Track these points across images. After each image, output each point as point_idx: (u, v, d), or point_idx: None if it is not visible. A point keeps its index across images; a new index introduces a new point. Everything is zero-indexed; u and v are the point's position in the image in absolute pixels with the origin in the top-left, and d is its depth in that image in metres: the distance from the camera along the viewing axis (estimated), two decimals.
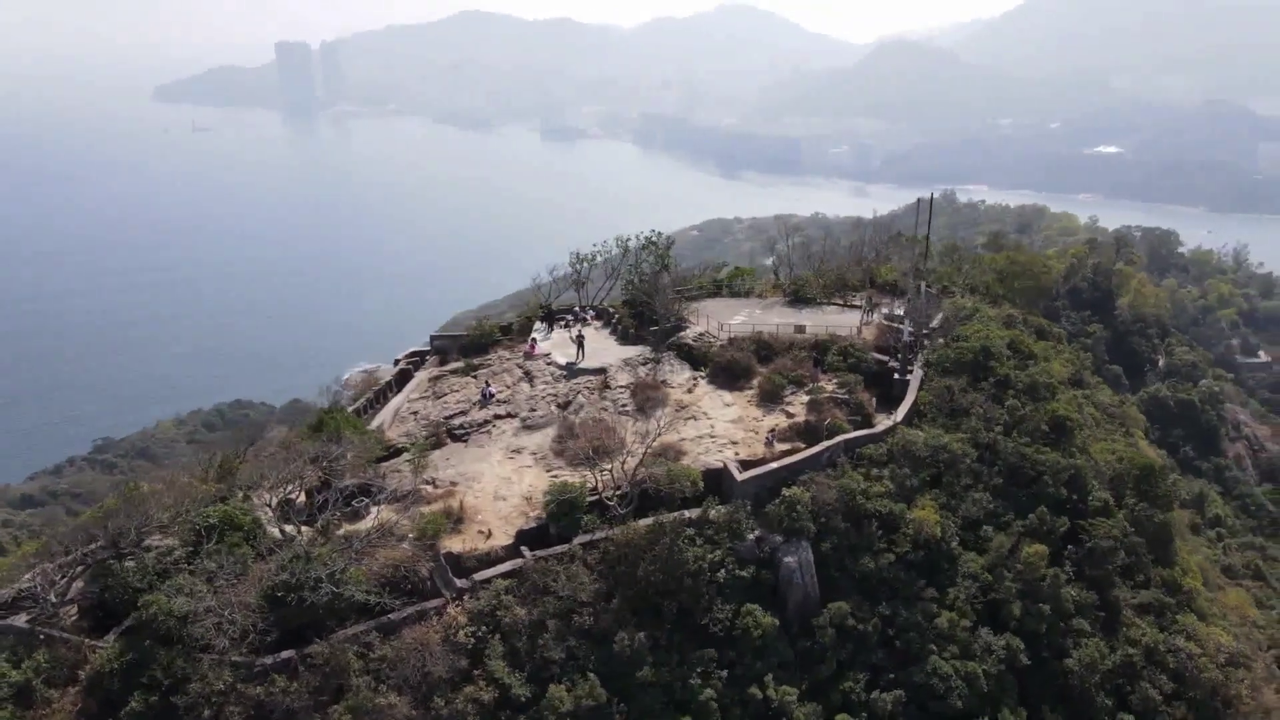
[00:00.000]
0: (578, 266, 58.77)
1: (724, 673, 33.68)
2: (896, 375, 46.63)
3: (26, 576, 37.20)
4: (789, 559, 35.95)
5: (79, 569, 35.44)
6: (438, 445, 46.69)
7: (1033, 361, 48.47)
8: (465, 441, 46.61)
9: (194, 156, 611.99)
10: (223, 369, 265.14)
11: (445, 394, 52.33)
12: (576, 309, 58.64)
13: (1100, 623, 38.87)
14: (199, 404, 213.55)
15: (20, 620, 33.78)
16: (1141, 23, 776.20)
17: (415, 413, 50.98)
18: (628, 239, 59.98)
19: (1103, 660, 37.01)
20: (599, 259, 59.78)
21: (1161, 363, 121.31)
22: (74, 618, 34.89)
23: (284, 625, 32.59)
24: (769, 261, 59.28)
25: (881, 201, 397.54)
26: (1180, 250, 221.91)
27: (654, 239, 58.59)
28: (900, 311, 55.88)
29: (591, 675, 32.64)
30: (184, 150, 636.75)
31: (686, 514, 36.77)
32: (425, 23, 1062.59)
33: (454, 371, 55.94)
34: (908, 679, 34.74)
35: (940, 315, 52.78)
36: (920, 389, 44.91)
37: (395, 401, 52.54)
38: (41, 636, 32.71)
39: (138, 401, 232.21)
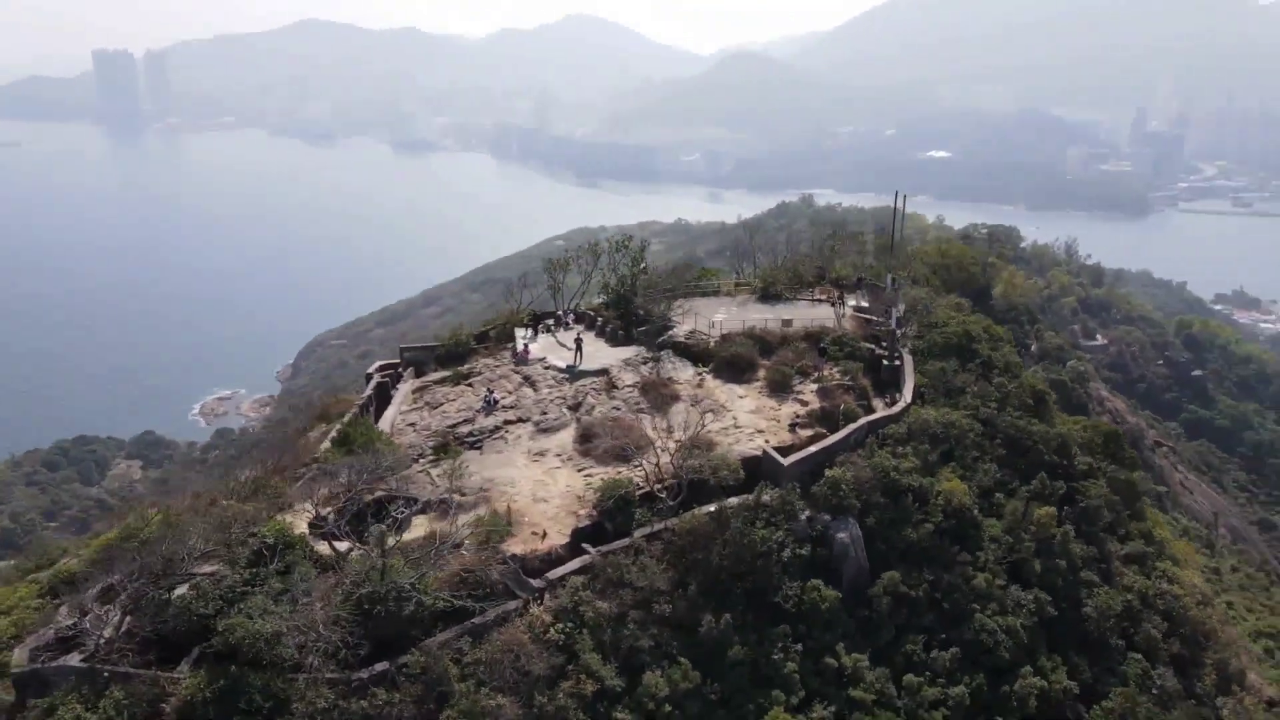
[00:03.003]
0: (553, 273, 59.28)
1: (798, 646, 35.57)
2: (885, 362, 49.89)
3: (60, 613, 34.89)
4: (841, 535, 38.24)
5: (122, 601, 33.43)
6: (447, 454, 46.29)
7: (1003, 343, 53.09)
8: (480, 449, 46.45)
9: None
10: (58, 404, 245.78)
11: (441, 404, 51.80)
12: (559, 313, 59.17)
13: (1100, 574, 43.21)
14: (35, 442, 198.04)
15: (74, 660, 31.66)
16: (961, 37, 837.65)
17: (413, 424, 50.22)
18: (598, 243, 60.95)
19: (1112, 606, 41.28)
20: (571, 265, 60.42)
21: (1034, 347, 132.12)
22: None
23: (368, 638, 32.07)
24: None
25: (737, 206, 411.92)
26: (1022, 245, 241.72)
27: (626, 242, 59.80)
28: (865, 304, 59.66)
29: (683, 660, 33.80)
30: None
31: (738, 500, 38.46)
32: (260, 32, 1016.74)
33: (439, 381, 55.33)
34: (959, 637, 37.68)
35: (903, 305, 56.49)
36: (916, 372, 48.35)
37: (388, 414, 51.45)
38: (106, 674, 30.79)
39: None
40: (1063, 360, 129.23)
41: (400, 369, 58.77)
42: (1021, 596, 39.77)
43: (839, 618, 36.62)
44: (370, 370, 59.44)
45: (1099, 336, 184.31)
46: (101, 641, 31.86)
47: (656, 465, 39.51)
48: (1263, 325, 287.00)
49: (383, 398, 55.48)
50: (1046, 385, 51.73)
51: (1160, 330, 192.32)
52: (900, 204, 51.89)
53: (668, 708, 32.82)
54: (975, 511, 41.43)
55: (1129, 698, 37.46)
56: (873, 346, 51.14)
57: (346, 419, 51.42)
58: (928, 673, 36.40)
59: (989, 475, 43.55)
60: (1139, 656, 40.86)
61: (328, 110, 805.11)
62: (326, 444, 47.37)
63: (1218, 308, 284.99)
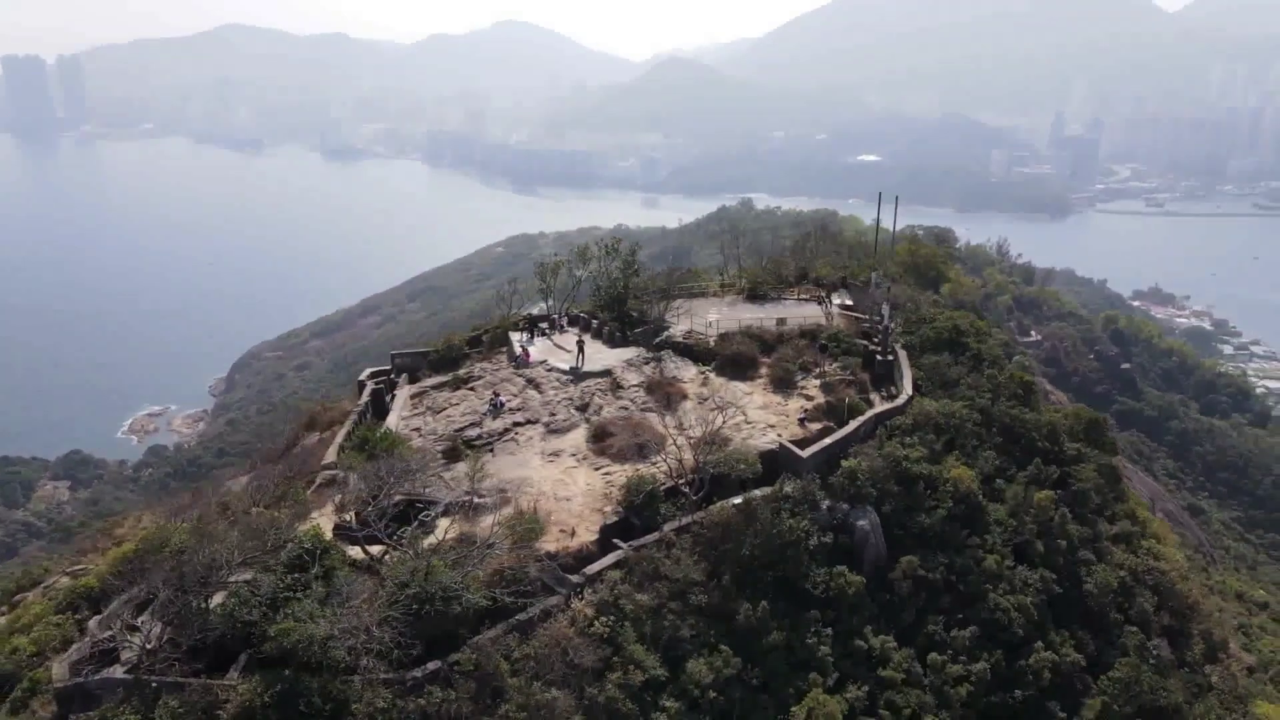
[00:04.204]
0: (545, 277, 59.82)
1: (828, 630, 36.94)
2: (879, 356, 51.73)
3: (91, 627, 34.36)
4: (861, 523, 39.77)
5: (160, 611, 33.04)
6: (457, 457, 46.49)
7: (989, 337, 55.50)
8: (491, 451, 46.72)
9: None
10: None
11: (444, 408, 51.91)
12: (554, 317, 59.66)
13: (1094, 553, 45.56)
14: None
15: (118, 672, 31.23)
16: (885, 41, 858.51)
17: (417, 430, 50.22)
18: (586, 246, 61.72)
19: (1109, 583, 43.65)
20: (562, 269, 61.05)
21: None
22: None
23: (418, 638, 32.33)
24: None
25: (674, 211, 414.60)
26: (957, 245, 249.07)
27: (616, 245, 60.57)
28: (850, 302, 61.66)
29: (724, 647, 34.81)
30: None
31: (762, 492, 39.68)
32: (180, 37, 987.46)
33: (437, 387, 55.38)
34: (976, 616, 39.54)
35: (887, 303, 58.51)
36: (912, 366, 50.28)
37: (390, 420, 51.26)
38: (154, 684, 30.46)
39: None
40: (1008, 356, 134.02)
41: (393, 375, 58.57)
42: (1028, 576, 41.85)
43: (864, 602, 38.16)
44: (362, 377, 59.01)
45: (1033, 333, 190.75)
46: (145, 652, 31.47)
47: (679, 461, 40.39)
48: (1178, 320, 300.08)
49: (376, 404, 55.28)
50: (1033, 376, 54.11)
51: (1088, 326, 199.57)
52: (892, 209, 53.80)
53: (712, 694, 33.83)
54: (980, 497, 43.38)
55: (1134, 668, 39.76)
56: (866, 342, 52.94)
57: (347, 426, 51.19)
58: (950, 651, 38.19)
59: (989, 462, 45.60)
60: (1135, 629, 43.26)
61: (253, 117, 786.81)
62: (333, 450, 47.26)
63: (1136, 304, 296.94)
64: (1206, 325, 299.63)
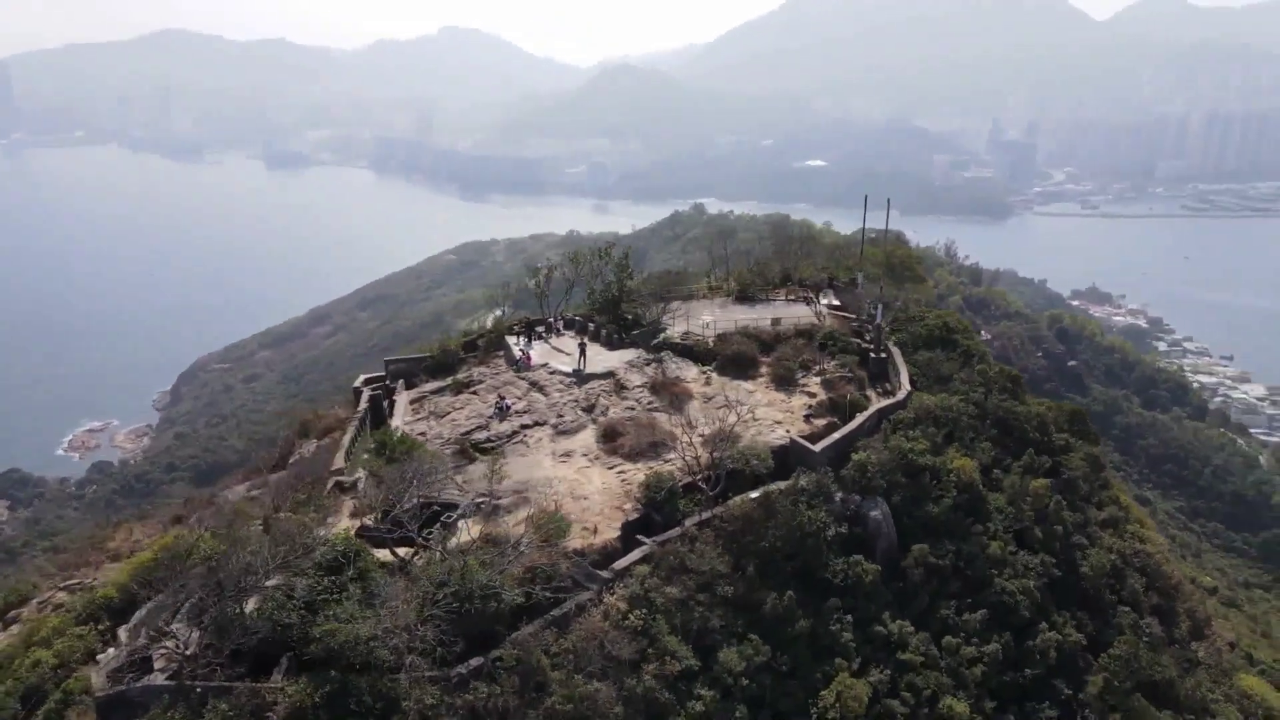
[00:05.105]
0: (540, 281, 60.41)
1: (849, 617, 38.26)
2: (872, 354, 53.39)
3: (121, 634, 34.15)
4: (874, 513, 41.21)
5: (195, 617, 32.98)
6: (469, 460, 46.90)
7: (975, 334, 57.56)
8: (502, 454, 47.15)
9: None
10: None
11: (447, 412, 52.16)
12: (550, 320, 60.20)
13: (1086, 538, 47.66)
14: None
15: (159, 679, 31.14)
16: (830, 46, 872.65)
17: (422, 434, 50.38)
18: (578, 251, 62.52)
19: (1104, 566, 45.74)
20: (555, 273, 61.70)
21: None
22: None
23: (460, 636, 32.80)
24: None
25: (625, 217, 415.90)
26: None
27: (608, 250, 61.40)
28: (837, 302, 63.41)
29: (753, 636, 35.89)
30: None
31: (777, 486, 40.90)
32: (115, 42, 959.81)
33: (436, 391, 55.58)
34: (984, 600, 41.21)
35: (880, 302, 60.22)
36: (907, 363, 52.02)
37: (393, 425, 51.39)
38: (198, 689, 30.44)
39: None
40: None
41: (388, 381, 58.58)
42: (1029, 560, 43.68)
43: (879, 589, 39.54)
44: (357, 384, 59.06)
45: (983, 332, 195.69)
46: (185, 658, 31.41)
47: (695, 458, 41.36)
48: (1115, 318, 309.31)
49: (374, 410, 55.31)
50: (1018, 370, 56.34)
51: (1034, 325, 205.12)
52: (886, 211, 55.68)
53: (744, 681, 34.89)
54: (981, 486, 45.12)
55: (1131, 645, 41.81)
56: (859, 340, 54.58)
57: (350, 432, 51.27)
58: (962, 634, 39.76)
59: (986, 453, 47.42)
60: (1127, 609, 45.42)
61: (193, 124, 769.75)
62: (341, 455, 47.42)
63: (1075, 303, 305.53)
64: (1142, 323, 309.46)
